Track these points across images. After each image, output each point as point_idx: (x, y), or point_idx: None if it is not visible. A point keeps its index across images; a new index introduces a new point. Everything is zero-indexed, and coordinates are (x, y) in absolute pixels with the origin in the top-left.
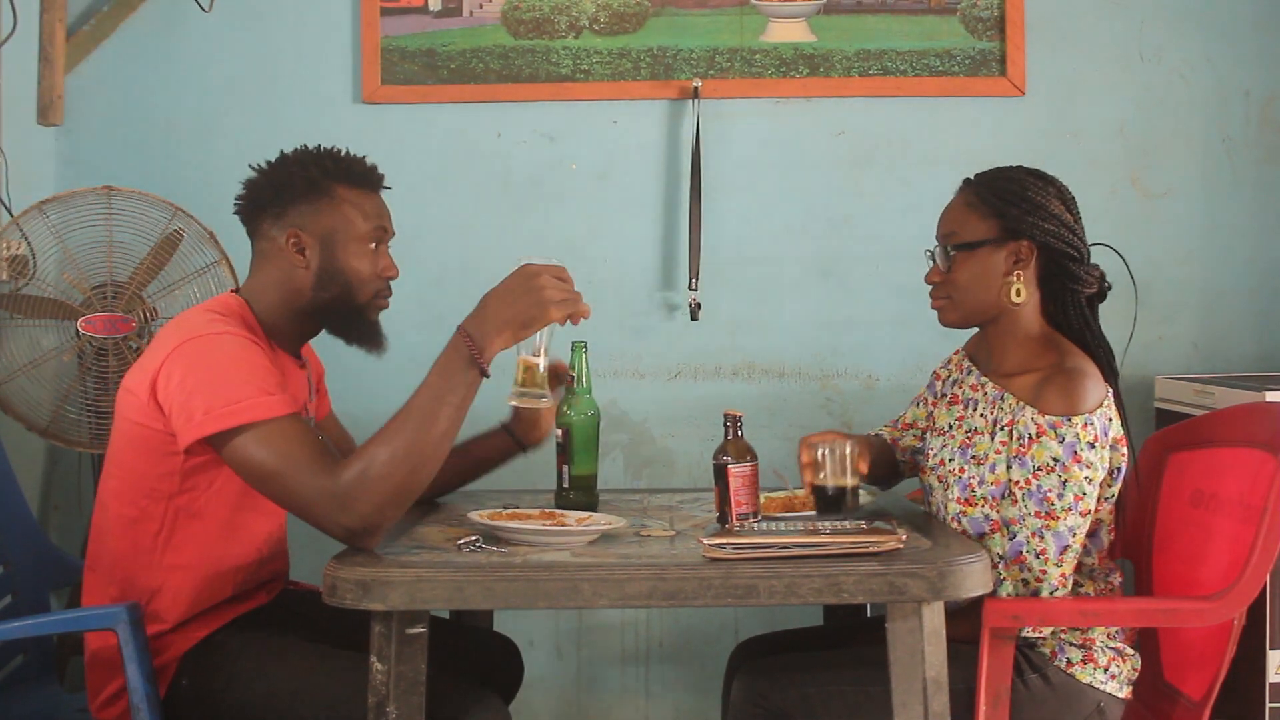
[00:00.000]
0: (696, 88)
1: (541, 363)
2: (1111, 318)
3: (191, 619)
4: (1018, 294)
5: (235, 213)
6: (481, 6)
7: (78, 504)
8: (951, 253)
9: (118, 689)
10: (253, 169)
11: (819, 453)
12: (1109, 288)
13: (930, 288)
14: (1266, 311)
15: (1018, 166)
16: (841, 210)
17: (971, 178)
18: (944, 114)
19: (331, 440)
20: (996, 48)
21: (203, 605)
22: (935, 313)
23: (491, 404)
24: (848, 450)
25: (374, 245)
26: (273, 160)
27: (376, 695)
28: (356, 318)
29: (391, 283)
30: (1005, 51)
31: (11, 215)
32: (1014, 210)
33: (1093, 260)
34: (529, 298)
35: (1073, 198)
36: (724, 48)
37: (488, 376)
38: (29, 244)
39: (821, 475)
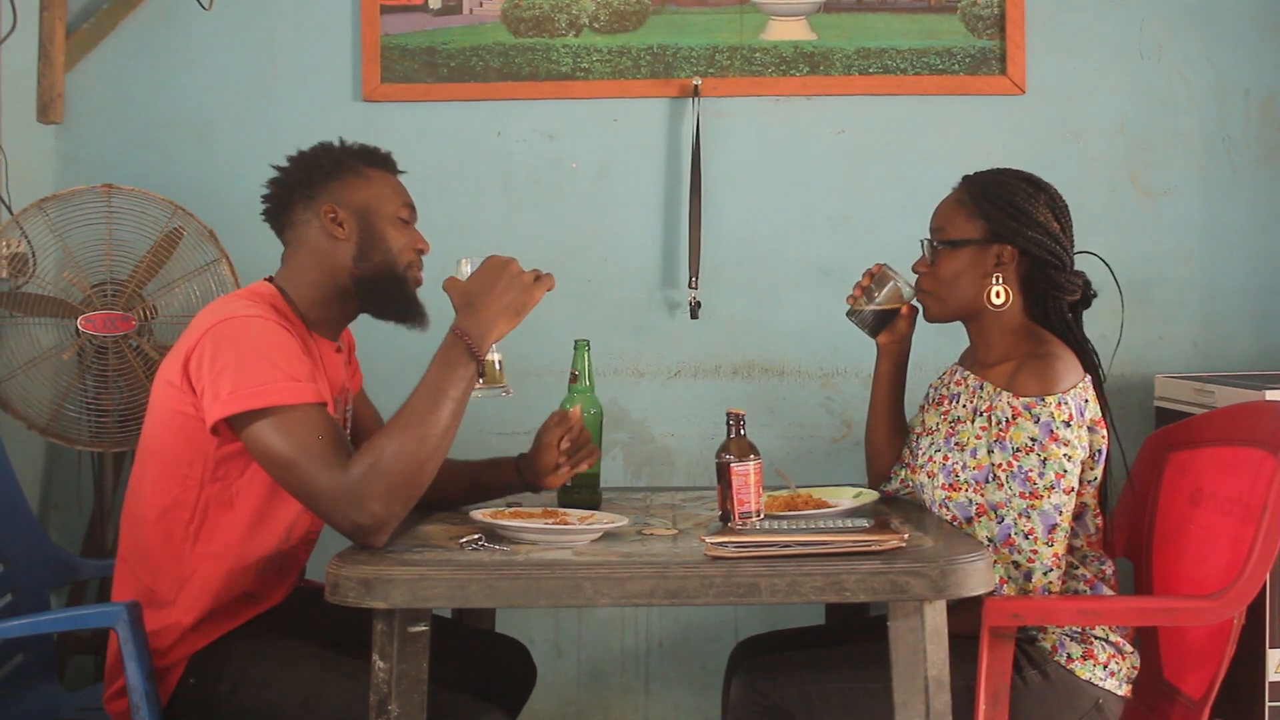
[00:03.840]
0: (697, 86)
1: (497, 358)
2: (1102, 322)
3: (210, 614)
4: (997, 295)
5: (264, 211)
6: (482, 4)
7: (77, 502)
8: (938, 247)
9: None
10: (275, 168)
11: (885, 275)
12: (1094, 295)
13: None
14: (1266, 310)
15: (1014, 170)
16: (841, 209)
17: (970, 175)
18: (944, 112)
19: (363, 416)
20: (997, 46)
21: (227, 596)
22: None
23: (501, 421)
24: (908, 285)
25: (405, 220)
26: (292, 156)
27: (379, 694)
28: (398, 288)
29: None
30: (1005, 50)
31: (11, 213)
32: (1000, 214)
33: (1079, 268)
34: (514, 285)
35: (1064, 205)
36: (724, 46)
37: (484, 375)
38: (29, 242)
39: (876, 292)
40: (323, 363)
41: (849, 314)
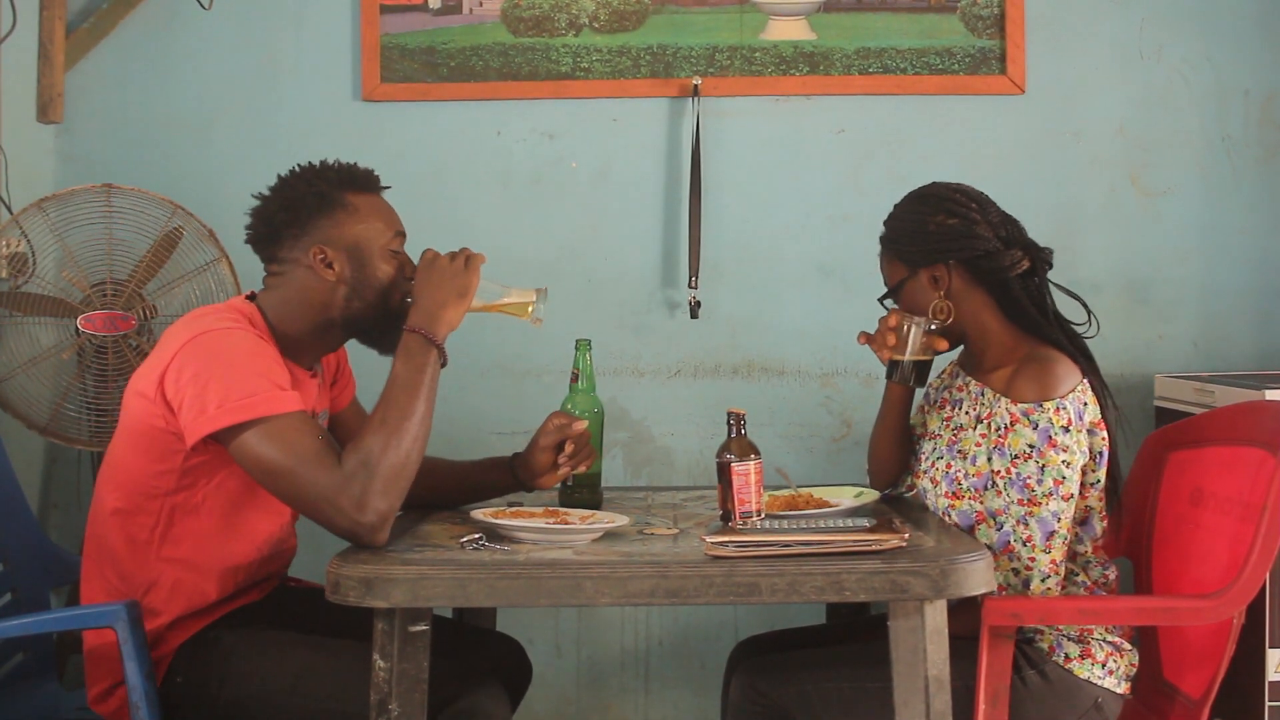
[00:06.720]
0: (696, 86)
1: (510, 298)
2: (1102, 323)
3: (183, 617)
4: (939, 311)
5: (248, 242)
6: (481, 4)
7: (77, 501)
8: (889, 304)
9: (113, 683)
10: (256, 198)
11: (903, 325)
12: (1049, 252)
13: None
14: (1266, 310)
15: (908, 195)
16: (841, 208)
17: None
18: (944, 112)
19: (355, 426)
20: (996, 46)
21: (200, 602)
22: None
23: (500, 421)
24: (930, 328)
25: (396, 250)
26: (273, 185)
27: (379, 693)
28: (391, 324)
29: None
30: (1005, 50)
31: (11, 213)
32: (906, 247)
33: (1008, 238)
34: (447, 272)
35: (957, 197)
36: (724, 46)
37: (445, 364)
38: (28, 242)
39: (905, 347)
40: (297, 386)
41: (890, 377)
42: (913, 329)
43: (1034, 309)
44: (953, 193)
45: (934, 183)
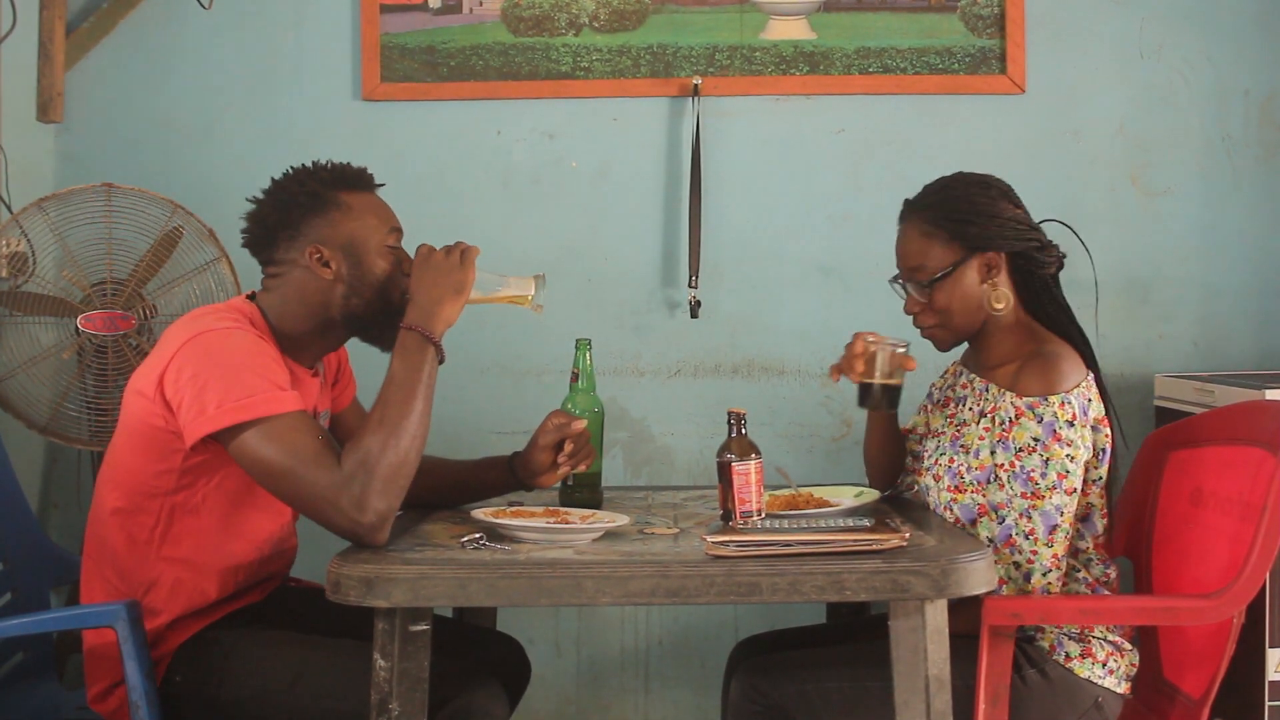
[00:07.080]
0: (696, 85)
1: (509, 289)
2: (1102, 321)
3: (183, 616)
4: (998, 301)
5: (244, 246)
6: (482, 4)
7: (77, 501)
8: (926, 286)
9: (112, 683)
10: (250, 202)
11: (869, 347)
12: (1064, 255)
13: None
14: (1266, 310)
15: (952, 177)
16: (841, 208)
17: (911, 201)
18: (944, 112)
19: (355, 427)
20: (997, 45)
21: (200, 601)
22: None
23: (501, 421)
24: (897, 350)
25: (392, 246)
26: (266, 189)
27: (379, 692)
28: (392, 321)
29: None
30: (1005, 49)
31: (11, 212)
32: (971, 228)
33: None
34: (442, 269)
35: (1009, 187)
36: (724, 45)
37: (443, 361)
38: (29, 241)
39: (874, 372)
40: (297, 385)
41: (862, 404)
42: (879, 353)
43: (1048, 301)
44: (1004, 183)
45: (970, 173)
